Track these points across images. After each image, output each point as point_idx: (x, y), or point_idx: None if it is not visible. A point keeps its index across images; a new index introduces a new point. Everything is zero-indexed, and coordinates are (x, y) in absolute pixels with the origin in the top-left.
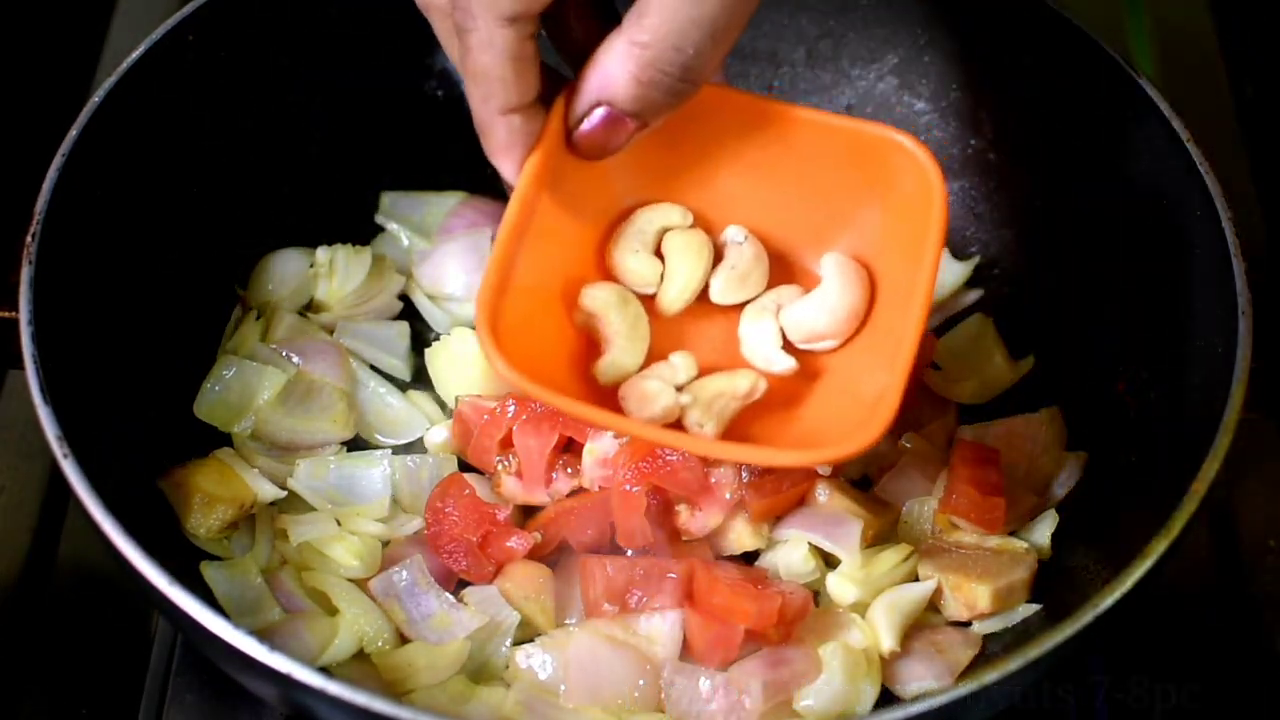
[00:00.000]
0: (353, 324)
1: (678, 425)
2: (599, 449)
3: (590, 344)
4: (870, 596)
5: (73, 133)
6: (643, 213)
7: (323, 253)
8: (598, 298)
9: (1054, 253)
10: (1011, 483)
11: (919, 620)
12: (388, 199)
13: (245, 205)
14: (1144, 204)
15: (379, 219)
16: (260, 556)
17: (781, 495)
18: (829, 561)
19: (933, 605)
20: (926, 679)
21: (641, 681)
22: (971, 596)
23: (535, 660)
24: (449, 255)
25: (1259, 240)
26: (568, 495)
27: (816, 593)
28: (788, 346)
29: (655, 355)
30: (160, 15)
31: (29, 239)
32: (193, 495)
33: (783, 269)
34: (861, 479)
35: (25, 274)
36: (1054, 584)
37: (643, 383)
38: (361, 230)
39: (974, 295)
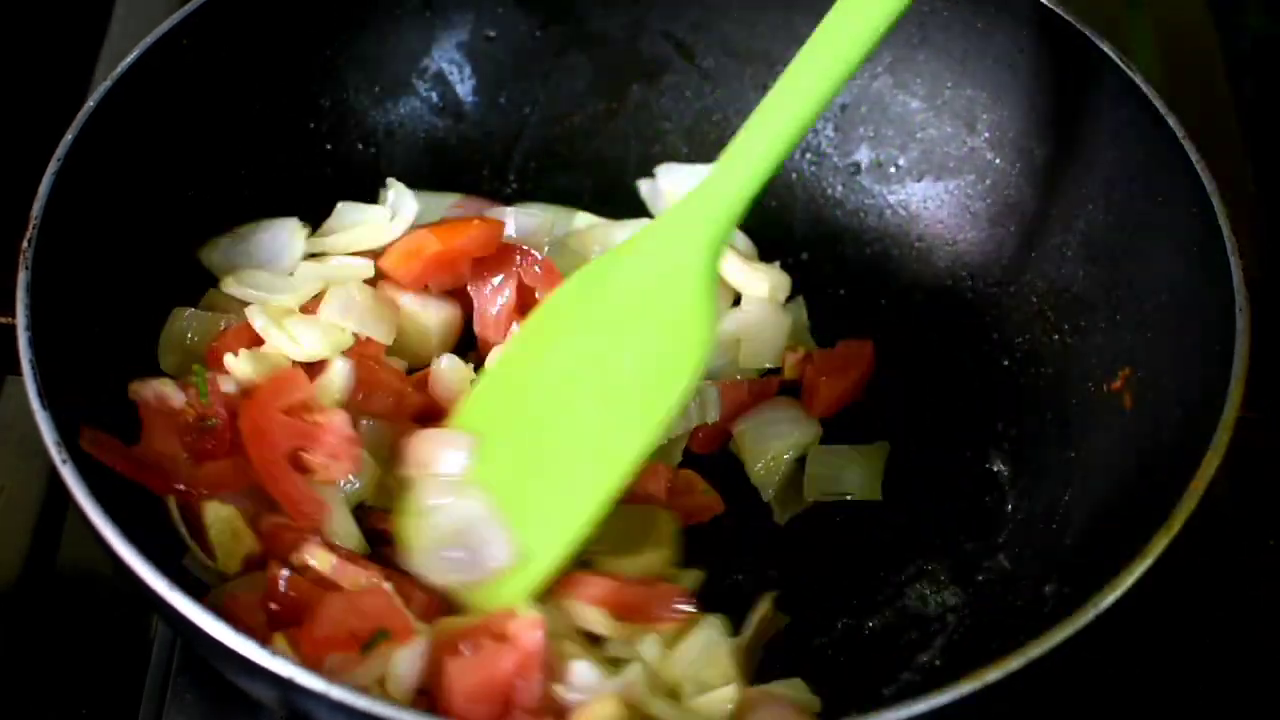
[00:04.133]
0: None
1: None
2: None
3: None
4: None
5: (68, 137)
6: None
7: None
8: None
9: (1049, 250)
10: None
11: None
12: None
13: (244, 207)
14: (1141, 202)
15: None
16: None
17: None
18: None
19: None
20: None
21: None
22: None
23: None
24: None
25: (1258, 239)
26: None
27: None
28: None
29: None
30: (158, 19)
31: (25, 244)
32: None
33: None
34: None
35: (22, 279)
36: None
37: None
38: None
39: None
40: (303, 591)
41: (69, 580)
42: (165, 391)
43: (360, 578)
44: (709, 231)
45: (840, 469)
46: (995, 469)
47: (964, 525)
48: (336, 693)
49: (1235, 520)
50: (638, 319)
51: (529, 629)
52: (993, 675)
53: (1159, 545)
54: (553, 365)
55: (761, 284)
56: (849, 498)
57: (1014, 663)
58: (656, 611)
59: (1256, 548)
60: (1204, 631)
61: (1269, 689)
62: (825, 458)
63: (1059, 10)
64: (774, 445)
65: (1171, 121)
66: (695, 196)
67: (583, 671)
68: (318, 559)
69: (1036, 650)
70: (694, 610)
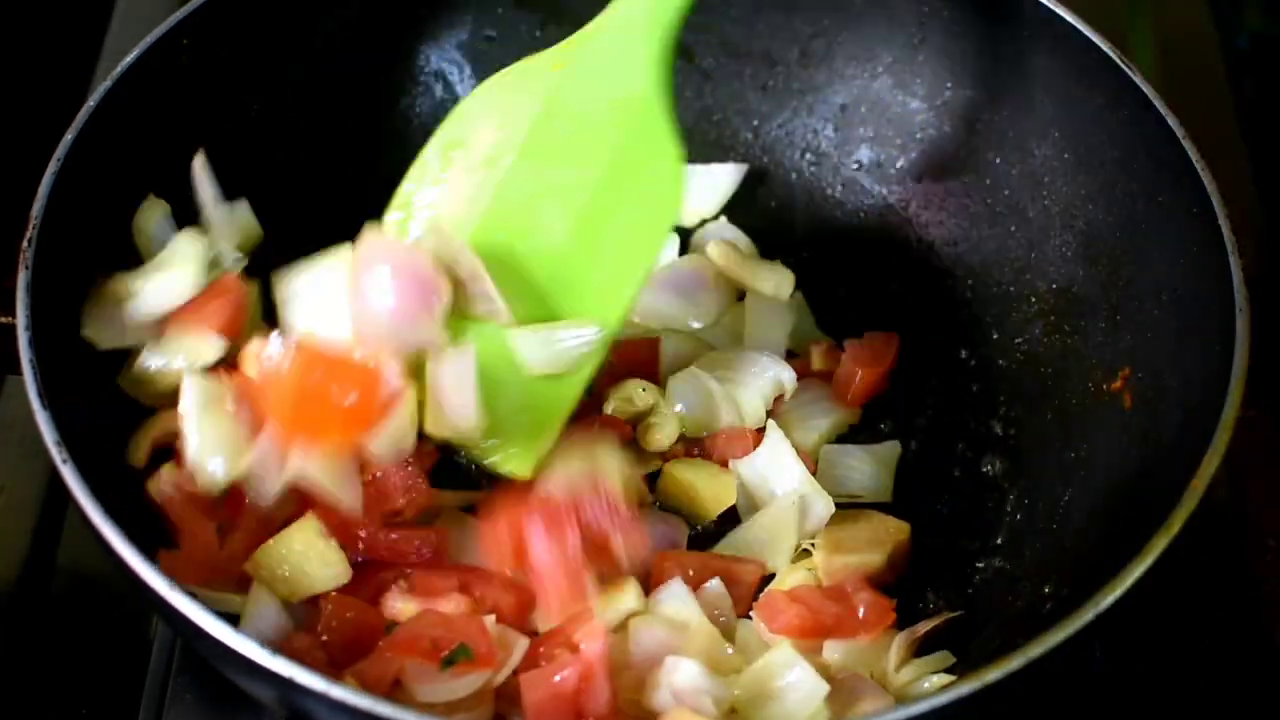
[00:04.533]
0: None
1: None
2: None
3: None
4: None
5: (68, 137)
6: None
7: None
8: None
9: (1049, 250)
10: None
11: None
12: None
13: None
14: (1141, 202)
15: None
16: None
17: None
18: None
19: None
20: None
21: None
22: None
23: None
24: None
25: (1258, 239)
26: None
27: None
28: None
29: None
30: (158, 19)
31: (25, 244)
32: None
33: None
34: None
35: (22, 279)
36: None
37: None
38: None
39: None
40: (364, 629)
41: (69, 580)
42: (181, 479)
43: (449, 607)
44: (652, 50)
45: (851, 470)
46: (995, 469)
47: (964, 525)
48: (337, 692)
49: (1235, 520)
50: (600, 143)
51: (592, 639)
52: (993, 675)
53: (1159, 545)
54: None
55: (766, 280)
56: (860, 500)
57: (1014, 663)
58: (850, 627)
59: (1256, 548)
60: (1204, 631)
61: (1269, 689)
62: (837, 458)
63: (1059, 10)
64: (818, 424)
65: (1171, 121)
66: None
67: (687, 675)
68: (402, 612)
69: (1036, 650)
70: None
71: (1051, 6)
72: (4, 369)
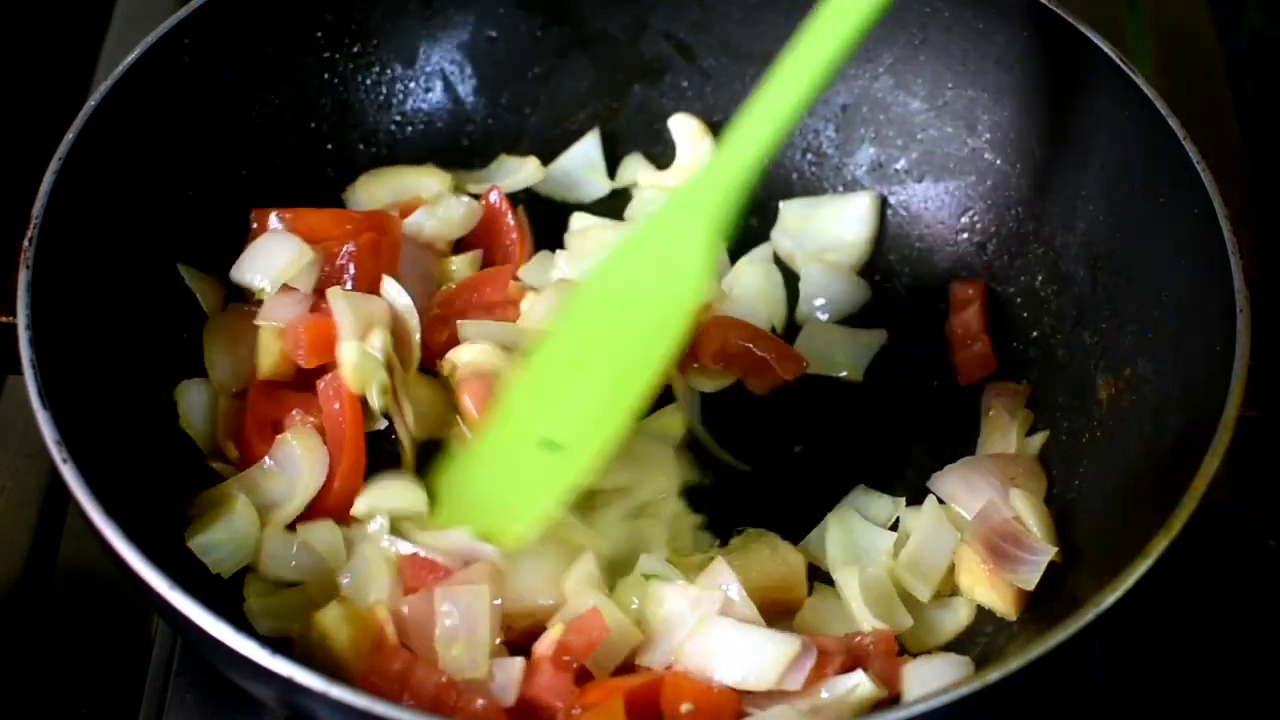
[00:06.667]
0: None
1: None
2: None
3: None
4: None
5: (69, 136)
6: None
7: None
8: None
9: (1050, 251)
10: None
11: None
12: None
13: (243, 209)
14: (1141, 202)
15: None
16: None
17: None
18: None
19: None
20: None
21: None
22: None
23: None
24: None
25: (1258, 239)
26: None
27: None
28: None
29: None
30: (158, 19)
31: (26, 243)
32: None
33: None
34: None
35: (22, 279)
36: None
37: None
38: None
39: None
40: None
41: (69, 580)
42: None
43: None
44: (709, 212)
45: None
46: None
47: None
48: (336, 692)
49: (1235, 520)
50: (653, 283)
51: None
52: (993, 675)
53: (1159, 546)
54: (590, 324)
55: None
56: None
57: (1014, 663)
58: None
59: (1256, 548)
60: (1204, 631)
61: (1269, 689)
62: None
63: (1059, 11)
64: None
65: (1171, 122)
66: (698, 182)
67: None
68: None
69: (1037, 650)
70: None
71: (1051, 6)
72: (4, 369)
